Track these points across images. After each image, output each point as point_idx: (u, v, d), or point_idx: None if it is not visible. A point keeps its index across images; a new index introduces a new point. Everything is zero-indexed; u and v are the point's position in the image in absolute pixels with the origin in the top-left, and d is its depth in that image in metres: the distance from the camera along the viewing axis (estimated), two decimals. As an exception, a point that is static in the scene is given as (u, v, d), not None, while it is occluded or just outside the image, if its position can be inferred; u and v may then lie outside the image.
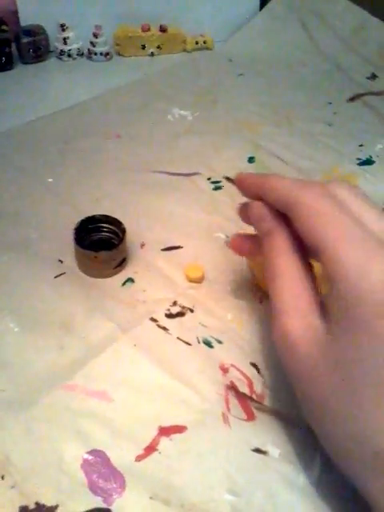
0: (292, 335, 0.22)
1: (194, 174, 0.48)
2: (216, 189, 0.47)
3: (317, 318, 0.22)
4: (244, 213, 0.29)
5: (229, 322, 0.34)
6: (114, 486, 0.25)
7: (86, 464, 0.26)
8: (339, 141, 0.55)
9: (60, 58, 0.70)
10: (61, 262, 0.37)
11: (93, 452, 0.27)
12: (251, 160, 0.51)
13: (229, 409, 0.29)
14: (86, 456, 0.26)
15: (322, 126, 0.58)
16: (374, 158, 0.53)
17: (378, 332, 0.19)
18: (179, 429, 0.28)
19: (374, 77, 0.71)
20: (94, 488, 0.25)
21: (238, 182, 0.29)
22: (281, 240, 0.24)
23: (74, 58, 0.70)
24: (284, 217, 0.25)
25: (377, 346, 0.20)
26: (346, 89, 0.67)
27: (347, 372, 0.20)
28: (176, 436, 0.28)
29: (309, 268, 0.24)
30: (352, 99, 0.65)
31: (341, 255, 0.21)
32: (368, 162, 0.52)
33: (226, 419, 0.28)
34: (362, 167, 0.51)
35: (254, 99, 0.63)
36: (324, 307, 0.23)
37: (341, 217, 0.22)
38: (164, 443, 0.27)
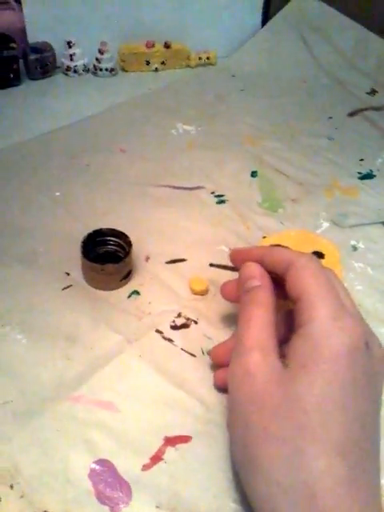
0: (252, 368, 0.24)
1: (198, 187, 0.49)
2: (219, 202, 0.47)
3: (276, 358, 0.25)
4: (235, 258, 0.32)
5: (231, 333, 0.34)
6: (121, 495, 0.26)
7: (92, 473, 0.27)
8: (340, 155, 0.56)
9: (66, 74, 0.71)
10: (68, 274, 0.38)
11: (99, 462, 0.27)
12: (254, 174, 0.52)
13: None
14: (93, 466, 0.27)
15: (323, 140, 0.59)
16: (374, 172, 0.54)
17: (333, 373, 0.22)
18: (184, 439, 0.28)
19: (373, 92, 0.72)
20: (100, 497, 0.26)
21: (235, 256, 0.32)
22: (264, 295, 0.28)
23: (80, 74, 0.72)
24: (269, 279, 0.29)
25: (327, 385, 0.22)
26: (347, 104, 0.68)
27: (295, 404, 0.22)
28: (181, 446, 0.28)
29: (276, 320, 0.27)
30: (352, 114, 0.66)
31: (320, 306, 0.24)
32: (368, 175, 0.53)
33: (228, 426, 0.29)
34: (362, 181, 0.52)
35: (255, 114, 0.64)
36: (284, 351, 0.25)
37: (324, 281, 0.26)
38: (170, 453, 0.28)
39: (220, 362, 0.31)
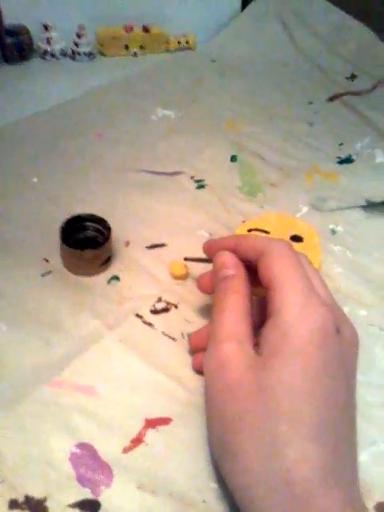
0: (228, 358, 0.25)
1: (178, 173, 0.49)
2: (199, 187, 0.47)
3: (250, 347, 0.25)
4: (209, 250, 0.32)
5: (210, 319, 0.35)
6: (102, 477, 0.26)
7: (73, 457, 0.27)
8: (320, 140, 0.57)
9: (43, 58, 0.70)
10: (47, 261, 0.38)
11: (80, 445, 0.27)
12: (233, 159, 0.52)
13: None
14: (74, 449, 0.27)
15: (302, 125, 0.59)
16: (353, 157, 0.54)
17: (303, 360, 0.23)
18: (165, 421, 0.29)
19: (353, 77, 0.72)
20: (82, 480, 0.26)
21: (208, 248, 0.32)
22: (237, 283, 0.28)
23: (58, 58, 0.71)
24: (243, 267, 0.29)
25: (297, 372, 0.22)
26: (327, 89, 0.68)
27: (268, 392, 0.22)
28: (162, 427, 0.28)
29: (250, 308, 0.27)
30: (332, 99, 0.66)
31: (290, 293, 0.25)
32: (348, 160, 0.54)
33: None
34: (342, 165, 0.53)
35: (236, 99, 0.64)
36: (257, 338, 0.26)
37: (295, 267, 0.26)
38: (150, 435, 0.28)
39: (198, 348, 0.31)
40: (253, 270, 0.28)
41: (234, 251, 0.29)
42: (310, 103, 0.65)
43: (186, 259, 0.35)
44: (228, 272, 0.29)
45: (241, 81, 0.69)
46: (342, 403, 0.23)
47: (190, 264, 0.38)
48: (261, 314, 0.29)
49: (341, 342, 0.24)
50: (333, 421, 0.22)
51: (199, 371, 0.31)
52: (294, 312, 0.24)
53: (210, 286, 0.31)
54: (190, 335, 0.32)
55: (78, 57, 0.71)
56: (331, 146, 0.56)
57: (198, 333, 0.31)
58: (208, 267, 0.32)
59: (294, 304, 0.24)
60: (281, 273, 0.26)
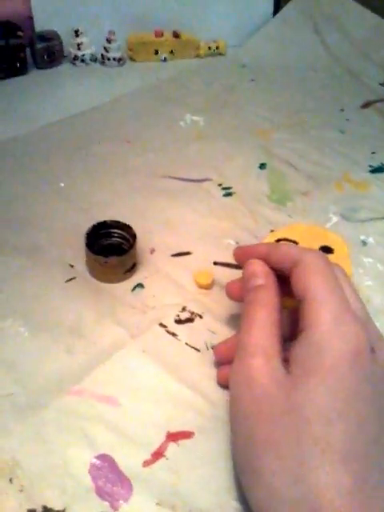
0: (255, 373, 0.24)
1: (205, 180, 0.48)
2: (226, 195, 0.47)
3: (279, 363, 0.24)
4: (239, 256, 0.31)
5: (237, 328, 0.34)
6: (121, 490, 0.26)
7: (93, 468, 0.26)
8: (351, 148, 0.55)
9: (73, 63, 0.71)
10: (71, 266, 0.38)
11: (100, 457, 0.27)
12: (262, 166, 0.51)
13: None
14: (94, 460, 0.27)
15: (334, 132, 0.58)
16: (386, 166, 0.52)
17: (335, 381, 0.22)
18: (187, 434, 0.28)
19: (387, 83, 0.70)
20: (100, 492, 0.25)
21: (239, 254, 0.31)
22: (267, 295, 0.27)
23: (87, 64, 0.71)
24: (274, 277, 0.28)
25: (329, 393, 0.21)
26: (359, 95, 0.66)
27: (298, 413, 0.22)
28: (184, 442, 0.28)
29: (280, 321, 0.26)
30: (365, 106, 0.64)
31: (324, 309, 0.23)
32: (380, 169, 0.52)
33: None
34: (373, 174, 0.51)
35: (266, 105, 0.63)
36: (288, 352, 0.25)
37: (330, 281, 0.25)
38: (172, 449, 0.27)
39: (223, 360, 0.30)
40: (284, 280, 0.27)
41: (266, 260, 0.28)
42: (342, 110, 0.63)
43: (215, 263, 0.34)
44: (258, 281, 0.28)
45: (271, 87, 0.68)
46: (374, 428, 0.22)
47: (216, 273, 0.37)
48: (291, 326, 0.28)
49: (374, 362, 0.23)
50: (363, 446, 0.21)
51: (224, 385, 0.30)
52: (327, 329, 0.23)
53: (239, 294, 0.30)
54: (215, 347, 0.31)
55: (107, 62, 0.71)
56: (363, 155, 0.54)
57: (225, 344, 0.30)
58: (236, 274, 0.31)
59: (327, 321, 0.23)
60: (315, 286, 0.24)
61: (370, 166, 0.52)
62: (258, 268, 0.28)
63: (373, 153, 0.55)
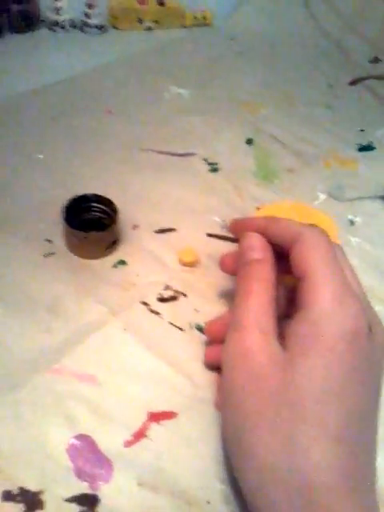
0: (250, 348, 0.23)
1: (190, 154, 0.47)
2: (212, 170, 0.45)
3: (275, 339, 0.23)
4: (236, 228, 0.30)
5: (221, 306, 0.33)
6: (101, 471, 0.25)
7: (72, 449, 0.25)
8: (339, 125, 0.54)
9: (52, 29, 0.67)
10: (49, 241, 0.36)
11: (79, 437, 0.26)
12: (249, 142, 0.50)
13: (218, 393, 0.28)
14: (73, 441, 0.26)
15: (322, 109, 0.57)
16: (374, 144, 0.52)
17: (333, 361, 0.21)
18: (170, 415, 0.27)
19: (376, 60, 0.69)
20: (79, 473, 0.25)
21: (235, 227, 0.30)
22: (265, 270, 0.26)
23: (67, 30, 0.68)
24: (271, 252, 0.27)
25: (326, 372, 0.21)
26: (348, 72, 0.65)
27: (293, 391, 0.21)
28: (166, 422, 0.27)
29: (276, 297, 0.25)
30: (353, 83, 0.63)
31: (324, 287, 0.23)
32: (368, 147, 0.51)
33: (217, 407, 0.28)
34: (361, 153, 0.50)
35: (253, 79, 0.61)
36: (284, 329, 0.24)
37: (331, 259, 0.24)
38: (154, 429, 0.27)
39: (214, 338, 0.29)
40: (281, 256, 0.26)
41: (264, 233, 0.27)
42: (331, 86, 0.62)
43: (209, 235, 0.33)
44: (255, 255, 0.27)
45: (259, 60, 0.66)
46: (367, 408, 0.22)
47: (200, 250, 0.36)
48: (287, 304, 0.27)
49: (371, 344, 0.22)
50: (356, 426, 0.21)
51: (211, 365, 0.29)
52: (327, 308, 0.22)
53: (233, 267, 0.29)
54: (207, 324, 0.30)
55: (88, 29, 0.68)
56: (351, 132, 0.53)
57: (215, 322, 0.29)
58: (226, 249, 0.30)
59: (327, 300, 0.22)
60: (316, 263, 0.24)
61: (358, 144, 0.51)
62: (255, 241, 0.27)
63: (361, 130, 0.54)
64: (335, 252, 0.25)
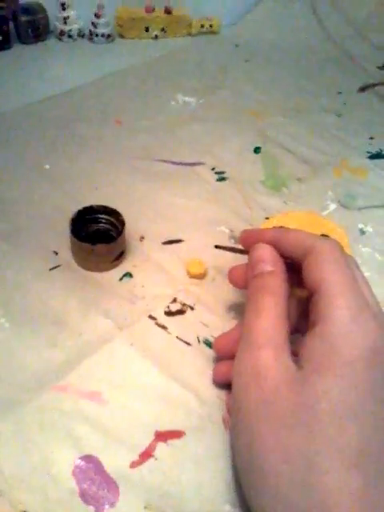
0: (264, 368, 0.22)
1: (198, 163, 0.46)
2: (220, 180, 0.45)
3: (288, 356, 0.22)
4: (246, 240, 0.29)
5: (230, 320, 0.32)
6: (107, 494, 0.24)
7: (77, 470, 0.25)
8: (348, 132, 0.53)
9: (60, 39, 0.67)
10: (56, 253, 0.36)
11: (85, 458, 0.25)
12: (257, 150, 0.49)
13: (228, 412, 0.27)
14: (78, 462, 0.25)
15: (331, 116, 0.56)
16: (384, 152, 0.51)
17: (350, 380, 0.20)
18: (177, 434, 0.26)
19: (385, 66, 0.68)
20: (85, 496, 0.24)
21: (246, 238, 0.29)
22: (276, 282, 0.25)
23: (75, 39, 0.68)
24: (283, 264, 0.26)
25: (343, 392, 0.20)
26: (357, 78, 0.64)
27: (309, 413, 0.20)
28: (173, 441, 0.26)
29: (287, 312, 0.24)
30: (363, 89, 0.62)
31: (340, 302, 0.22)
32: (378, 155, 0.50)
33: (226, 424, 0.27)
34: (372, 161, 0.49)
35: (260, 87, 0.61)
36: (296, 346, 0.23)
37: (346, 272, 0.23)
38: (161, 449, 0.26)
39: (224, 354, 0.28)
40: (293, 269, 0.26)
41: (275, 245, 0.27)
42: (339, 93, 0.61)
43: (217, 247, 0.32)
44: (266, 268, 0.26)
45: (266, 68, 0.65)
46: None
47: (208, 261, 0.35)
48: (298, 316, 0.26)
49: None
50: (377, 449, 0.20)
51: (220, 382, 0.28)
52: (344, 324, 0.21)
53: (243, 280, 0.28)
54: (216, 339, 0.29)
55: (95, 38, 0.68)
56: (361, 140, 0.52)
57: (226, 337, 0.28)
58: (236, 261, 0.29)
59: (344, 315, 0.22)
60: (331, 277, 0.23)
61: (368, 152, 0.51)
62: (266, 253, 0.26)
63: (371, 138, 0.53)
64: (350, 264, 0.24)
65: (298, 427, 0.20)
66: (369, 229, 0.41)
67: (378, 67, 0.68)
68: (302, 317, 0.26)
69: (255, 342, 0.23)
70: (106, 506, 0.24)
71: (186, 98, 0.57)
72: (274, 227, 0.33)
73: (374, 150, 0.51)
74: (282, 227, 0.35)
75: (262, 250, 0.27)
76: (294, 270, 0.26)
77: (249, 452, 0.22)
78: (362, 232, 0.41)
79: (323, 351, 0.21)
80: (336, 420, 0.20)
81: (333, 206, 0.43)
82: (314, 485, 0.19)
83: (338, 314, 0.22)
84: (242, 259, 0.29)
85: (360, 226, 0.41)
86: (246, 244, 0.29)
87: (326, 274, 0.23)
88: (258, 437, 0.21)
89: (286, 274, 0.26)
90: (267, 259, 0.26)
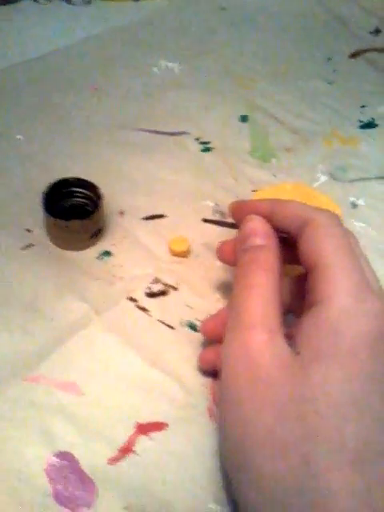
0: (256, 352, 0.20)
1: (181, 133, 0.43)
2: (205, 150, 0.42)
3: (282, 338, 0.21)
4: (237, 212, 0.27)
5: (217, 302, 0.30)
6: (84, 494, 0.22)
7: (51, 469, 0.23)
8: (339, 101, 0.51)
9: (35, 0, 0.63)
10: (28, 231, 0.33)
11: (59, 454, 0.23)
12: (244, 119, 0.46)
13: (216, 403, 0.25)
14: (52, 459, 0.23)
15: (321, 83, 0.53)
16: (376, 121, 0.48)
17: (353, 369, 0.18)
18: (159, 426, 0.25)
19: (377, 32, 0.65)
20: (59, 498, 0.22)
21: (237, 210, 0.27)
22: (269, 257, 0.23)
23: (50, 1, 0.63)
24: (276, 238, 0.24)
25: (345, 382, 0.18)
26: (348, 44, 0.61)
27: (307, 405, 0.18)
28: (156, 434, 0.25)
29: (281, 290, 0.22)
30: (354, 55, 0.59)
31: (341, 281, 0.20)
32: (370, 124, 0.48)
33: (212, 414, 0.25)
34: (364, 130, 0.47)
35: (247, 52, 0.57)
36: (291, 328, 0.22)
37: (347, 248, 0.21)
38: (142, 443, 0.24)
39: (212, 338, 0.26)
40: (287, 244, 0.24)
41: (268, 218, 0.24)
42: (329, 59, 0.58)
43: (205, 221, 0.30)
44: (257, 241, 0.24)
45: (253, 32, 0.62)
46: None
47: (193, 237, 0.33)
48: (292, 297, 0.24)
49: None
50: (379, 444, 0.18)
51: (206, 370, 0.26)
52: (346, 306, 0.20)
53: (233, 256, 0.26)
54: (203, 322, 0.27)
55: (73, 0, 0.64)
56: (352, 108, 0.50)
57: (214, 319, 0.26)
58: (225, 235, 0.27)
59: (345, 296, 0.20)
60: (330, 253, 0.21)
61: (360, 121, 0.48)
62: (258, 226, 0.24)
63: (362, 106, 0.50)
64: (350, 240, 0.22)
65: (294, 421, 0.18)
66: (360, 202, 0.39)
67: (370, 32, 0.65)
68: (296, 296, 0.24)
69: (245, 322, 0.21)
70: (83, 508, 0.22)
71: (169, 64, 0.53)
72: (268, 199, 0.30)
73: (366, 119, 0.48)
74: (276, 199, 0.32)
75: (254, 222, 0.24)
76: (287, 245, 0.24)
77: (238, 447, 0.20)
78: (354, 205, 0.39)
79: (322, 335, 0.19)
80: (336, 414, 0.18)
81: (323, 178, 0.41)
82: (314, 484, 0.17)
83: (339, 293, 0.20)
84: (229, 235, 0.27)
85: (351, 198, 0.39)
86: (236, 216, 0.26)
87: (324, 250, 0.21)
88: (249, 429, 0.19)
89: (280, 249, 0.24)
90: (259, 232, 0.24)
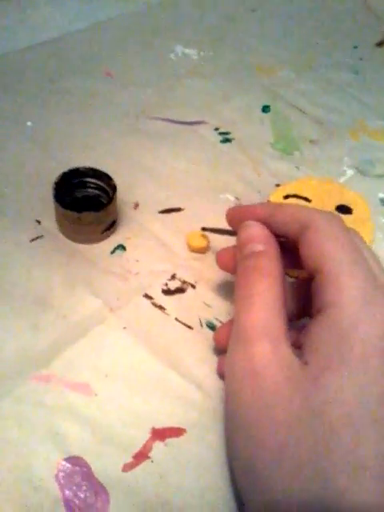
0: (260, 365, 0.19)
1: (199, 122, 0.42)
2: (224, 141, 0.40)
3: (289, 349, 0.20)
4: (233, 219, 0.26)
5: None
6: (96, 502, 0.21)
7: (61, 474, 0.22)
8: (366, 91, 0.49)
9: (47, -17, 0.61)
10: (38, 222, 0.32)
11: (70, 459, 0.22)
12: (266, 109, 0.44)
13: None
14: (62, 464, 0.22)
15: (346, 73, 0.51)
16: (405, 113, 0.46)
17: (367, 378, 0.17)
18: (176, 431, 0.24)
19: (404, 19, 0.63)
20: (70, 505, 0.21)
21: (233, 216, 0.26)
22: (269, 263, 0.22)
23: (64, -16, 0.61)
24: (276, 243, 0.23)
25: (359, 392, 0.17)
26: (375, 31, 0.59)
27: (321, 418, 0.17)
28: (172, 440, 0.23)
29: (285, 297, 0.22)
30: (381, 44, 0.57)
31: (349, 284, 0.19)
32: (399, 116, 0.46)
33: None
34: (392, 122, 0.45)
35: (269, 39, 0.55)
36: (297, 336, 0.21)
37: (351, 249, 0.21)
38: (158, 449, 0.23)
39: (225, 347, 0.25)
40: (288, 249, 0.23)
41: (267, 223, 0.23)
42: (355, 47, 0.56)
43: (203, 229, 0.29)
44: (257, 247, 0.23)
45: (276, 18, 0.60)
46: None
47: (212, 234, 0.31)
48: (295, 301, 0.23)
49: None
50: None
51: (224, 375, 0.25)
52: (355, 310, 0.19)
53: (234, 263, 0.24)
54: (215, 331, 0.26)
55: (87, -17, 0.62)
56: (380, 100, 0.48)
57: (227, 328, 0.25)
58: (231, 241, 0.26)
59: (354, 299, 0.19)
60: (334, 255, 0.20)
61: (388, 113, 0.46)
62: (256, 231, 0.23)
63: (390, 98, 0.48)
64: (353, 239, 0.21)
65: (305, 437, 0.17)
66: (390, 198, 0.37)
67: (397, 20, 0.62)
68: (301, 302, 0.23)
69: (248, 334, 0.20)
70: (95, 517, 0.21)
71: (187, 50, 0.51)
72: (265, 203, 0.29)
73: (394, 111, 0.46)
74: (282, 199, 0.31)
75: (252, 228, 0.24)
76: (287, 249, 0.23)
77: (248, 462, 0.19)
78: (383, 201, 0.37)
79: (331, 344, 0.18)
80: (352, 428, 0.17)
81: (350, 173, 0.39)
82: (330, 505, 0.16)
83: (347, 297, 0.19)
84: (233, 241, 0.25)
85: (380, 195, 0.37)
86: (232, 223, 0.26)
87: (328, 254, 0.20)
88: (259, 445, 0.18)
89: (280, 254, 0.23)
90: (258, 238, 0.23)
